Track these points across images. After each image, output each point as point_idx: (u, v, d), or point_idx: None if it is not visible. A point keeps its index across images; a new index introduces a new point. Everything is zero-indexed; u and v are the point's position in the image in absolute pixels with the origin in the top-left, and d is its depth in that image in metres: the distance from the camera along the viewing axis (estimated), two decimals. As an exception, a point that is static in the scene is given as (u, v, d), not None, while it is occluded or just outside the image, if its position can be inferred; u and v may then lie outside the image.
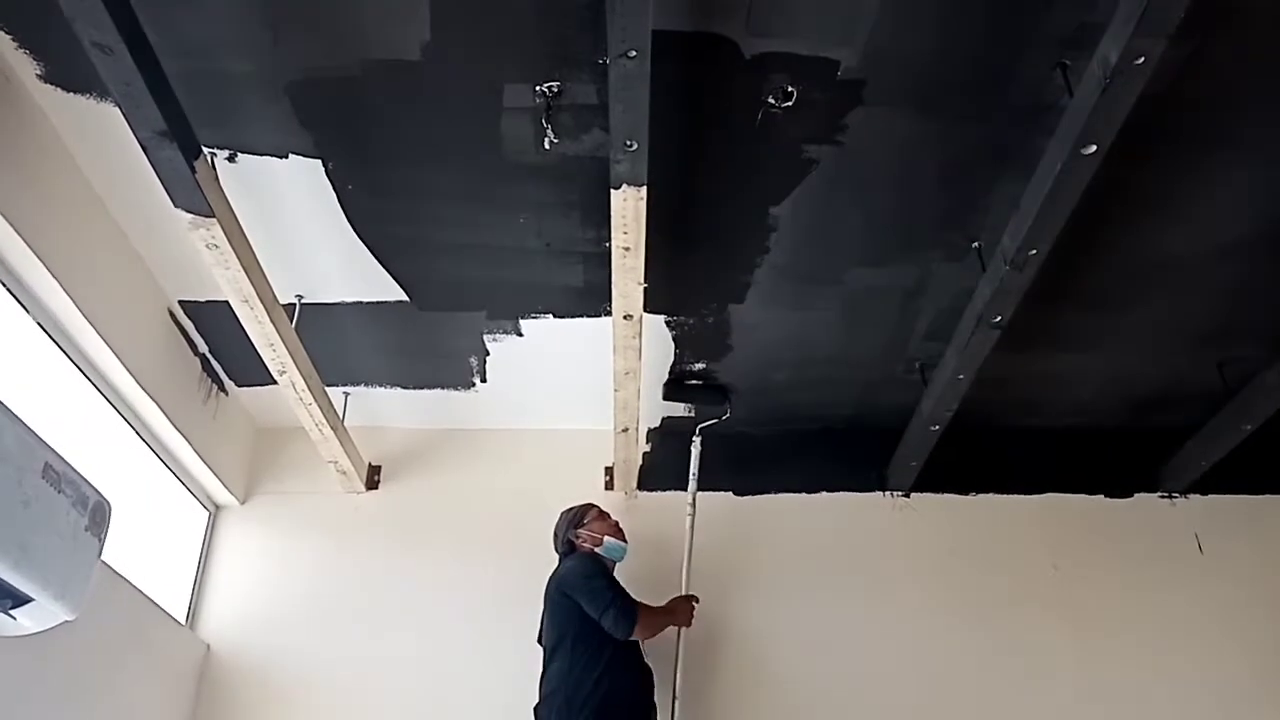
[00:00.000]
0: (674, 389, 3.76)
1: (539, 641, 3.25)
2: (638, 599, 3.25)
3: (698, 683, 3.43)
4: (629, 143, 2.32)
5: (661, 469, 3.96)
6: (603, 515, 3.42)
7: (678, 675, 3.37)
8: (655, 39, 2.07)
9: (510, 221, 2.99)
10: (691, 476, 3.69)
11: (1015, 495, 4.04)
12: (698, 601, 3.43)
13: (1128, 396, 3.93)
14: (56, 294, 2.73)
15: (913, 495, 4.03)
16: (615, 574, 3.33)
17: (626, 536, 3.42)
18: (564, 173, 2.80)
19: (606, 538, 3.33)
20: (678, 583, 3.53)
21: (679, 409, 3.98)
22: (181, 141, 2.36)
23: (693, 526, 3.59)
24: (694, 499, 3.65)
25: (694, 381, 3.74)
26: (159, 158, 2.37)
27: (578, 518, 3.41)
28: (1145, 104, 2.24)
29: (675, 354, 3.63)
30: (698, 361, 3.65)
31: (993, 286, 2.82)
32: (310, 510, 3.92)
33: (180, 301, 3.39)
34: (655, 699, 3.21)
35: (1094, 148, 2.30)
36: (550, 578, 3.28)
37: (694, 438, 3.74)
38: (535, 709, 3.06)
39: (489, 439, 4.09)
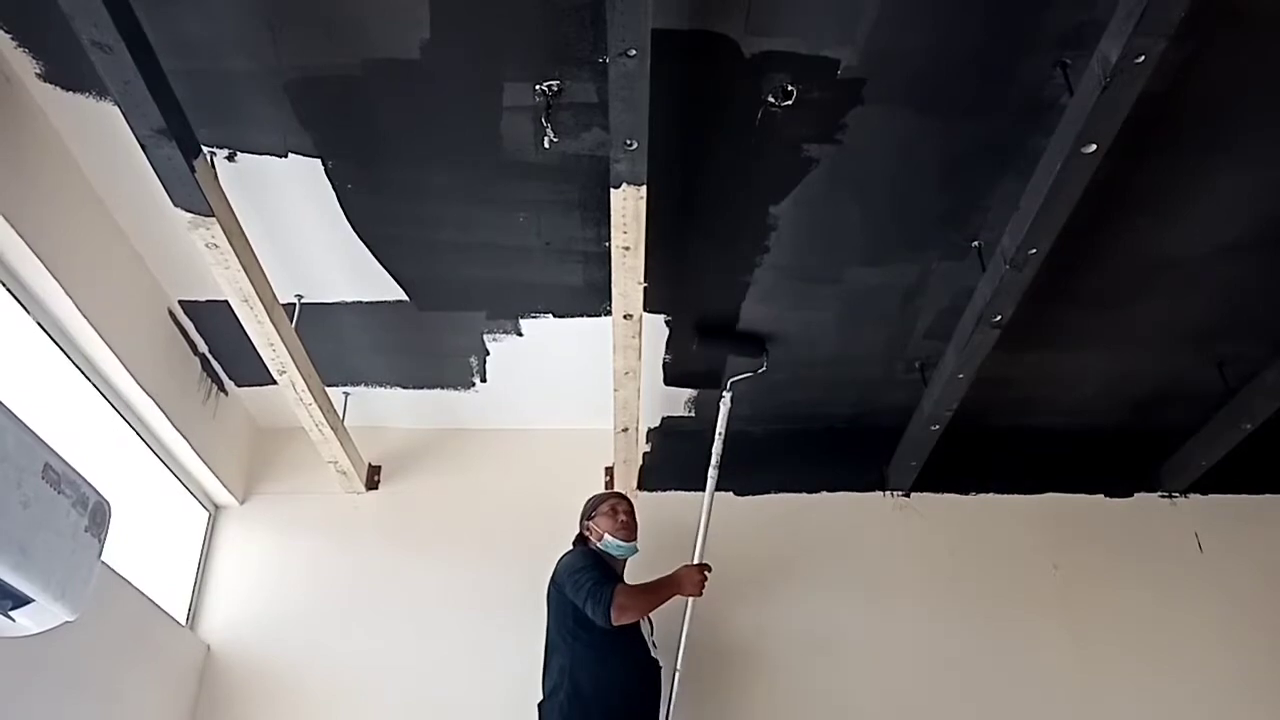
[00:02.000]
0: (706, 338, 3.46)
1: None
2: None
3: (698, 681, 3.41)
4: (629, 142, 2.32)
5: (662, 469, 3.96)
6: (613, 510, 3.29)
7: (680, 648, 3.27)
8: (655, 38, 2.07)
9: (510, 220, 2.99)
10: (718, 435, 3.47)
11: (1015, 495, 4.04)
12: (709, 571, 3.23)
13: (1128, 396, 3.93)
14: (56, 294, 2.73)
15: (913, 495, 4.02)
16: (626, 572, 3.27)
17: (636, 530, 3.29)
18: (564, 172, 2.80)
19: (606, 535, 3.22)
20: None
21: (679, 408, 3.98)
22: (181, 140, 2.36)
23: (713, 492, 3.42)
24: (719, 460, 3.44)
25: (728, 332, 3.44)
26: (158, 156, 2.37)
27: (590, 509, 3.34)
28: (1145, 103, 2.24)
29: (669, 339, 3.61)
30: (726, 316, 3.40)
31: (993, 286, 2.82)
32: (310, 510, 3.91)
33: (180, 301, 3.39)
34: (662, 690, 3.14)
35: (1094, 147, 2.29)
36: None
37: (724, 393, 3.52)
38: (539, 705, 3.02)
39: (489, 439, 4.09)
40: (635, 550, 3.27)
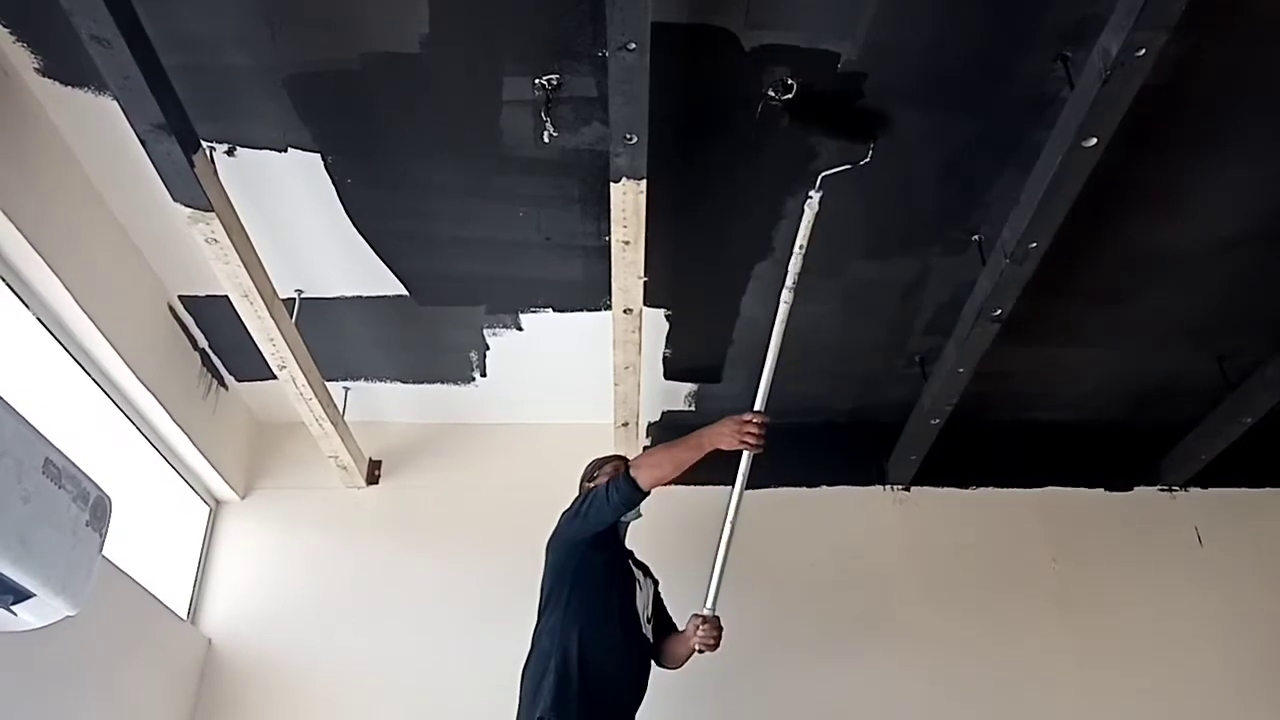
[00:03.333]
0: (800, 117, 2.66)
1: None
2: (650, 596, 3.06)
3: (696, 677, 3.40)
4: (628, 136, 2.32)
5: (662, 463, 3.95)
6: (616, 470, 3.01)
7: (732, 507, 2.75)
8: (655, 31, 2.07)
9: (510, 215, 2.99)
10: (797, 250, 2.74)
11: (1015, 489, 4.04)
12: (763, 422, 2.63)
13: (1128, 390, 3.93)
14: (56, 289, 2.73)
15: (913, 489, 4.03)
16: (629, 544, 3.06)
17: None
18: (563, 166, 2.79)
19: None
20: (689, 586, 3.33)
21: (679, 403, 3.98)
22: (180, 135, 2.35)
23: (785, 320, 2.76)
24: (795, 281, 2.76)
25: (829, 113, 2.66)
26: (157, 151, 2.37)
27: (592, 470, 3.16)
28: (1146, 97, 2.24)
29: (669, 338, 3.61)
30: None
31: (993, 280, 2.82)
32: (311, 505, 3.92)
33: (180, 296, 3.38)
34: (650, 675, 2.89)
35: (1094, 140, 2.29)
36: None
37: (811, 193, 2.70)
38: (523, 669, 2.81)
39: (489, 433, 4.09)
40: (639, 514, 2.97)
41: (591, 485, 3.06)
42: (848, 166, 2.72)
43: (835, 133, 2.73)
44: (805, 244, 2.75)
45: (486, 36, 2.43)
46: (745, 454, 2.70)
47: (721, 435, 2.64)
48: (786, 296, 2.77)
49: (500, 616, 3.58)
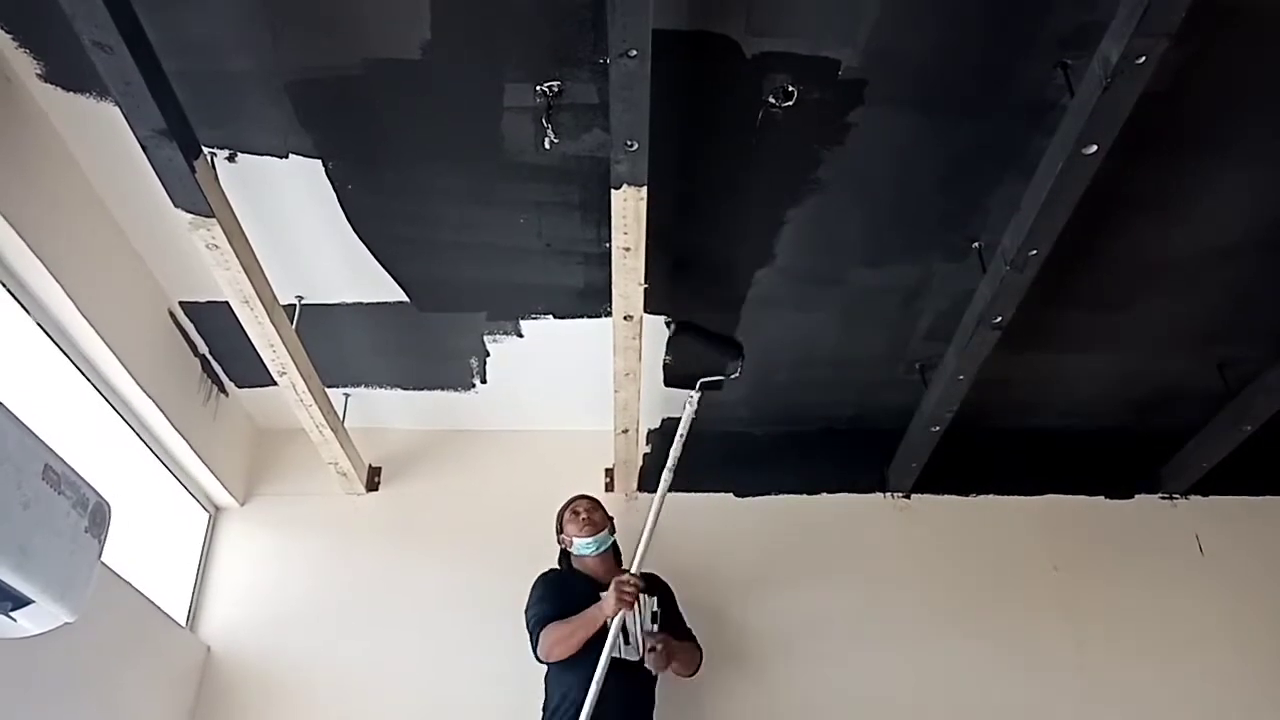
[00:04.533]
0: (684, 336, 3.28)
1: None
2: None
3: (696, 680, 3.40)
4: (629, 142, 2.31)
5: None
6: (574, 514, 3.33)
7: (599, 666, 2.86)
8: (656, 38, 2.07)
9: (510, 221, 2.99)
10: (679, 436, 3.11)
11: (1016, 496, 4.03)
12: (636, 579, 2.93)
13: (1128, 397, 3.93)
14: (56, 294, 2.72)
15: (913, 496, 4.02)
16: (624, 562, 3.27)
17: (604, 520, 3.31)
18: (564, 173, 2.80)
19: (574, 539, 3.26)
20: (684, 585, 3.44)
21: (679, 410, 3.95)
22: (181, 141, 2.35)
23: (664, 496, 3.05)
24: (675, 463, 3.08)
25: (706, 331, 3.22)
26: (159, 157, 2.37)
27: (558, 523, 3.38)
28: (1146, 104, 2.24)
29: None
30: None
31: (993, 287, 2.82)
32: (310, 512, 3.91)
33: (180, 302, 3.39)
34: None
35: (1095, 148, 2.29)
36: None
37: (691, 394, 3.14)
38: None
39: (489, 440, 4.08)
40: (606, 541, 3.27)
41: (562, 536, 3.35)
42: (721, 378, 3.18)
43: (712, 347, 3.20)
44: (685, 433, 3.12)
45: (488, 43, 2.43)
46: (619, 617, 2.95)
47: (608, 604, 2.93)
48: (666, 476, 3.08)
49: (500, 623, 3.57)
